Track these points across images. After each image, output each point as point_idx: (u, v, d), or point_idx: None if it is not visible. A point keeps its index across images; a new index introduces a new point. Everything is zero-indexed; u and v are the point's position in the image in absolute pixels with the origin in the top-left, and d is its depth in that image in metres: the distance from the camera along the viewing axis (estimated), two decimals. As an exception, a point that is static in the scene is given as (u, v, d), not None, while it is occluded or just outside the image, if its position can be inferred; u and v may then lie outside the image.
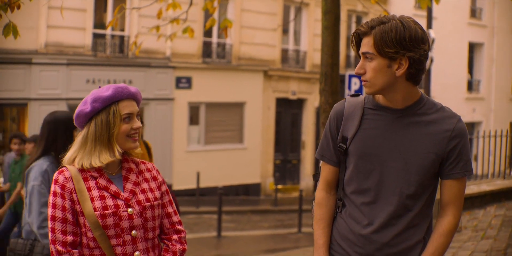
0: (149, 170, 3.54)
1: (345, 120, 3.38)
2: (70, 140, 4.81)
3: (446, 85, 28.99)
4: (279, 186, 22.99)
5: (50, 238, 3.21)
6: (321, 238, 3.48)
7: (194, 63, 22.58)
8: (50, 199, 3.25)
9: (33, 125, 19.14)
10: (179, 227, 3.57)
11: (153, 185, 3.50)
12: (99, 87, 3.40)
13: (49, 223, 3.22)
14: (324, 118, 7.08)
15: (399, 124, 3.27)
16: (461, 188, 3.31)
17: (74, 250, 3.19)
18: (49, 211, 3.23)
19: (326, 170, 3.51)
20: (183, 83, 22.30)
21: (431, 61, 15.23)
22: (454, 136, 3.23)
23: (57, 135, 5.11)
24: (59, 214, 3.20)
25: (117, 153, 3.29)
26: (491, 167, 12.43)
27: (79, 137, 3.34)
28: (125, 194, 3.33)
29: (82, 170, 3.29)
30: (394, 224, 3.25)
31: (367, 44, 3.17)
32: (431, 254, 3.25)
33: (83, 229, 3.24)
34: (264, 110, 24.59)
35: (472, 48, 32.89)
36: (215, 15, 22.87)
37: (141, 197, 3.38)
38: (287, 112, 26.03)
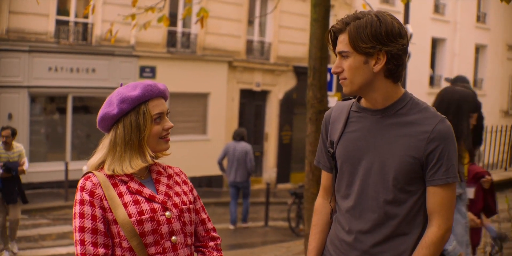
0: (177, 174, 3.30)
1: (332, 124, 3.36)
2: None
3: (408, 80, 29.06)
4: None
5: (78, 251, 2.86)
6: (311, 244, 3.47)
7: (159, 53, 22.23)
8: (77, 208, 2.92)
9: (-7, 113, 18.76)
10: (214, 234, 3.34)
11: (186, 188, 3.25)
12: (121, 84, 3.12)
13: (77, 235, 2.88)
14: (311, 113, 6.90)
15: (379, 125, 3.15)
16: (446, 196, 3.07)
17: None
18: (76, 221, 2.89)
19: (323, 176, 3.51)
20: (147, 72, 21.94)
21: (408, 56, 15.11)
22: (433, 138, 3.03)
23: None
24: (88, 224, 2.87)
25: (148, 158, 3.03)
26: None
27: (105, 141, 3.06)
28: (160, 197, 3.04)
29: (110, 176, 3.00)
30: (376, 232, 3.11)
31: (342, 42, 3.07)
32: None
33: (117, 239, 2.92)
34: (228, 101, 24.39)
35: (435, 43, 33.03)
36: (181, 4, 22.68)
37: (177, 199, 3.11)
38: (251, 103, 25.82)
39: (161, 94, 3.08)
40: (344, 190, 3.23)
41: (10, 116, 19.07)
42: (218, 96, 24.06)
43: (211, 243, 3.29)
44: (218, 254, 3.28)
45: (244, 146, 15.67)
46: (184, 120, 23.34)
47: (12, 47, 19.05)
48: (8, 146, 11.26)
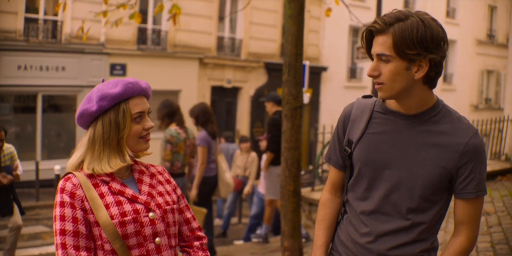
0: (160, 173, 3.20)
1: (351, 122, 3.19)
2: None
3: None
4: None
5: (60, 255, 2.76)
6: (319, 239, 3.34)
7: (129, 50, 22.09)
8: (57, 210, 2.82)
9: (-39, 113, 18.53)
10: (199, 233, 3.25)
11: (169, 188, 3.15)
12: (103, 80, 3.01)
13: (58, 238, 2.78)
14: (287, 110, 6.83)
15: (409, 131, 3.02)
16: (476, 208, 3.03)
17: None
18: (57, 224, 2.79)
19: (333, 173, 3.38)
20: (118, 70, 21.80)
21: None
22: (467, 151, 2.94)
23: None
24: (69, 227, 2.77)
25: (127, 158, 2.93)
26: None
27: (84, 139, 2.95)
28: (143, 197, 2.95)
29: (90, 176, 2.90)
30: (398, 236, 3.03)
31: (383, 44, 2.86)
32: None
33: (99, 242, 2.82)
34: (199, 98, 24.23)
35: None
36: (151, 1, 22.54)
37: (160, 200, 3.02)
38: (222, 100, 25.74)
39: (142, 93, 2.99)
40: (362, 192, 3.13)
41: (-21, 116, 18.86)
42: (189, 93, 23.91)
43: (197, 243, 3.22)
44: (204, 254, 3.21)
45: (235, 147, 16.05)
46: (156, 118, 23.14)
47: (-20, 45, 18.84)
48: None
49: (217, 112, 25.33)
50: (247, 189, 13.57)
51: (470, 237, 3.04)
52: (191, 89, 24.00)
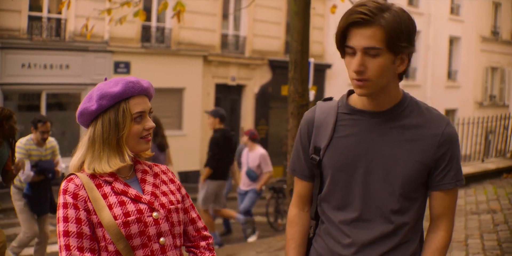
0: (164, 172, 3.14)
1: (316, 128, 3.00)
2: None
3: None
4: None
5: None
6: None
7: (133, 48, 22.04)
8: (60, 212, 2.78)
9: (-35, 111, 18.46)
10: (205, 233, 3.21)
11: (173, 187, 3.10)
12: (105, 79, 2.96)
13: (62, 240, 2.73)
14: (293, 108, 6.81)
15: (379, 129, 2.87)
16: (453, 199, 2.94)
17: None
18: (60, 226, 2.75)
19: (299, 185, 3.15)
20: (122, 68, 21.76)
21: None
22: (443, 142, 2.83)
23: None
24: (73, 228, 2.73)
25: (127, 158, 2.88)
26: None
27: (84, 138, 2.92)
28: (146, 197, 2.91)
29: (93, 176, 2.86)
30: (383, 243, 2.89)
31: (372, 37, 2.64)
32: None
33: (103, 243, 2.79)
34: (204, 96, 24.25)
35: (409, 35, 33.04)
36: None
37: (164, 199, 2.97)
38: (226, 98, 25.68)
39: (143, 92, 2.93)
40: (339, 201, 2.96)
41: (-17, 114, 18.78)
42: (193, 91, 23.89)
43: (203, 243, 3.17)
44: (211, 254, 3.16)
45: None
46: (160, 116, 22.89)
47: (-16, 44, 18.81)
48: (42, 142, 8.83)
49: (221, 110, 25.29)
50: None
51: (449, 230, 2.96)
52: (196, 86, 23.95)
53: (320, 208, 3.07)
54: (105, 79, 2.96)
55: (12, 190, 8.72)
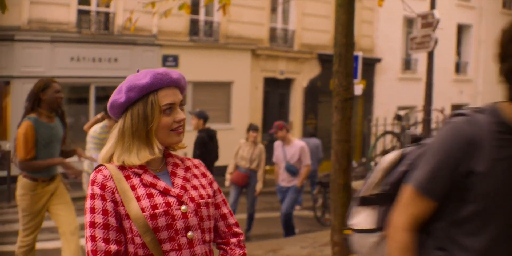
0: (196, 167, 3.09)
1: (473, 147, 2.58)
2: None
3: (434, 67, 28.74)
4: (267, 167, 22.56)
5: (89, 248, 2.68)
6: None
7: (181, 41, 22.07)
8: (88, 202, 2.75)
9: (15, 103, 18.67)
10: (236, 229, 3.12)
11: (204, 181, 3.04)
12: (138, 71, 2.91)
13: (88, 231, 2.71)
14: (337, 101, 6.66)
15: None
16: None
17: None
18: (87, 217, 2.73)
19: (423, 206, 2.71)
20: (170, 61, 21.82)
21: (435, 43, 14.78)
22: None
23: None
24: (99, 219, 2.70)
25: (156, 150, 2.83)
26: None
27: (115, 130, 2.88)
28: (175, 190, 2.85)
29: (122, 168, 2.83)
30: None
31: None
32: None
33: (129, 235, 2.74)
34: (252, 89, 24.19)
35: (461, 29, 32.65)
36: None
37: (194, 193, 2.91)
38: (275, 92, 25.58)
39: (173, 84, 2.87)
40: (475, 227, 2.61)
41: (33, 107, 18.99)
42: (241, 85, 23.87)
43: (233, 240, 3.09)
44: (241, 251, 3.07)
45: (315, 141, 16.62)
46: (208, 109, 23.11)
47: (34, 37, 19.02)
48: None
49: (269, 104, 25.25)
50: (259, 187, 12.84)
51: None
52: (244, 80, 23.91)
53: (443, 231, 2.73)
54: (137, 71, 2.92)
55: (85, 177, 8.77)
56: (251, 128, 12.91)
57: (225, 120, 23.67)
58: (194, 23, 22.54)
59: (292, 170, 12.06)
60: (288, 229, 11.95)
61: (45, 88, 6.96)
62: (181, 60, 22.04)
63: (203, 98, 22.96)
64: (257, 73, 24.41)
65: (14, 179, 17.27)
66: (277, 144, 12.39)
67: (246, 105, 24.02)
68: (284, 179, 12.27)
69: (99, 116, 9.64)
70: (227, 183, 12.82)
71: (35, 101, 6.94)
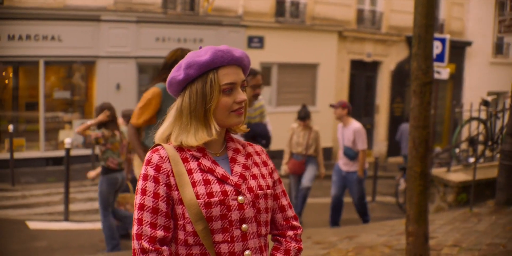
0: (258, 154, 2.89)
1: None
2: None
3: (471, 48, 27.66)
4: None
5: (135, 231, 2.54)
6: None
7: (267, 22, 21.93)
8: (140, 183, 2.61)
9: (101, 83, 18.86)
10: (294, 222, 2.90)
11: (265, 171, 2.84)
12: (200, 47, 2.72)
13: (136, 213, 2.57)
14: (416, 85, 6.35)
15: None
16: None
17: (163, 248, 2.53)
18: (137, 198, 2.59)
19: None
20: (255, 42, 21.72)
21: None
22: None
23: None
24: (149, 202, 2.55)
25: (214, 132, 2.64)
26: None
27: (172, 109, 2.72)
28: (234, 179, 2.66)
29: (180, 149, 2.67)
30: None
31: None
32: None
33: (181, 222, 2.59)
34: (338, 72, 23.90)
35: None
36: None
37: (253, 183, 2.71)
38: (362, 74, 25.24)
39: (235, 62, 2.66)
40: None
41: (118, 86, 19.20)
42: (327, 67, 23.59)
43: (290, 233, 2.87)
44: (297, 245, 2.85)
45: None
46: (293, 91, 23.05)
47: (119, 17, 19.17)
48: (253, 99, 7.93)
49: (356, 87, 24.93)
50: (322, 172, 12.47)
51: None
52: (330, 62, 23.62)
53: None
54: (200, 48, 2.74)
55: None
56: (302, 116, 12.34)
57: (310, 102, 23.40)
58: (280, 4, 22.34)
59: (349, 154, 11.36)
60: (364, 216, 11.64)
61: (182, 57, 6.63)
62: (266, 41, 21.90)
63: (288, 80, 22.82)
64: (343, 55, 24.08)
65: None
66: (339, 125, 11.68)
67: (332, 87, 23.75)
68: (343, 163, 11.56)
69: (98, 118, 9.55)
70: (283, 172, 12.43)
71: (168, 71, 6.55)
